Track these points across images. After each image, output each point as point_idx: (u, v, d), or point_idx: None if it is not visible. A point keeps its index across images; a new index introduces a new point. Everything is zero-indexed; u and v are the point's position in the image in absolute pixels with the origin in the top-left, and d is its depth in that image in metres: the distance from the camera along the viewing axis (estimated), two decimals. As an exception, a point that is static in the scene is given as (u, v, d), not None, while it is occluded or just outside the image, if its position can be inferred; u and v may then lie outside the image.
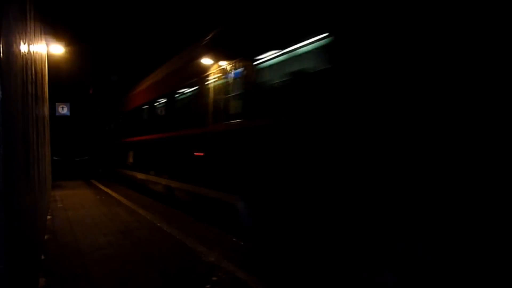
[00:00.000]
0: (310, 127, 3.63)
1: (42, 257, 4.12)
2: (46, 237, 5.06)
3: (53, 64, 9.56)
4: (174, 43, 13.56)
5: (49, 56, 8.51)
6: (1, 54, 1.70)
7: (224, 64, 5.39)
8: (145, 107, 9.65)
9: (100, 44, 16.80)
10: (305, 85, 3.80)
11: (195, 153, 6.15)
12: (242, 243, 4.69)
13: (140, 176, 9.86)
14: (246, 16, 5.01)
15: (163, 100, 8.17)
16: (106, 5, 15.05)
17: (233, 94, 5.12)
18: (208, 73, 5.89)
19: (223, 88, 5.39)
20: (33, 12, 4.08)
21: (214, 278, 3.45)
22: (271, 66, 4.37)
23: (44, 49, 7.01)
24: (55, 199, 8.88)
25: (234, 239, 4.85)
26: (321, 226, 3.50)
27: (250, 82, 4.67)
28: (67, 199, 9.02)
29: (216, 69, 5.65)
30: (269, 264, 3.92)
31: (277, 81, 4.24)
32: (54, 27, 8.53)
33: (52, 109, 12.45)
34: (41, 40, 5.80)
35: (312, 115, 3.63)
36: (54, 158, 13.12)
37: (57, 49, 8.50)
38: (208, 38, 6.20)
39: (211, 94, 5.75)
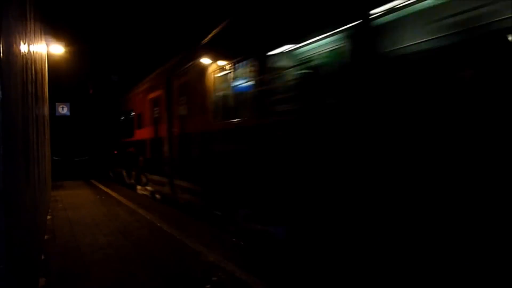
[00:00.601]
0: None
1: (42, 257, 4.12)
2: (46, 237, 5.07)
3: (53, 64, 9.56)
4: (174, 42, 13.58)
5: (49, 56, 8.52)
6: (1, 54, 1.70)
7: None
8: (122, 116, 12.87)
9: (100, 44, 16.81)
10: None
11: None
12: (242, 243, 4.69)
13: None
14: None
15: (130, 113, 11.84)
16: (106, 5, 15.06)
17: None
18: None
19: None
20: (33, 12, 4.09)
21: (214, 278, 3.45)
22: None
23: (44, 49, 7.02)
24: (55, 199, 8.89)
25: (234, 239, 4.85)
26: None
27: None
28: (67, 199, 9.03)
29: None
30: (269, 264, 3.92)
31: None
32: (54, 27, 8.54)
33: (52, 109, 12.45)
34: (41, 40, 5.81)
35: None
36: (54, 158, 13.14)
37: (57, 49, 8.50)
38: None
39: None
